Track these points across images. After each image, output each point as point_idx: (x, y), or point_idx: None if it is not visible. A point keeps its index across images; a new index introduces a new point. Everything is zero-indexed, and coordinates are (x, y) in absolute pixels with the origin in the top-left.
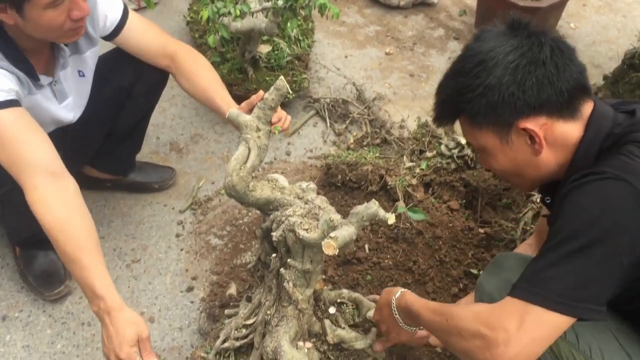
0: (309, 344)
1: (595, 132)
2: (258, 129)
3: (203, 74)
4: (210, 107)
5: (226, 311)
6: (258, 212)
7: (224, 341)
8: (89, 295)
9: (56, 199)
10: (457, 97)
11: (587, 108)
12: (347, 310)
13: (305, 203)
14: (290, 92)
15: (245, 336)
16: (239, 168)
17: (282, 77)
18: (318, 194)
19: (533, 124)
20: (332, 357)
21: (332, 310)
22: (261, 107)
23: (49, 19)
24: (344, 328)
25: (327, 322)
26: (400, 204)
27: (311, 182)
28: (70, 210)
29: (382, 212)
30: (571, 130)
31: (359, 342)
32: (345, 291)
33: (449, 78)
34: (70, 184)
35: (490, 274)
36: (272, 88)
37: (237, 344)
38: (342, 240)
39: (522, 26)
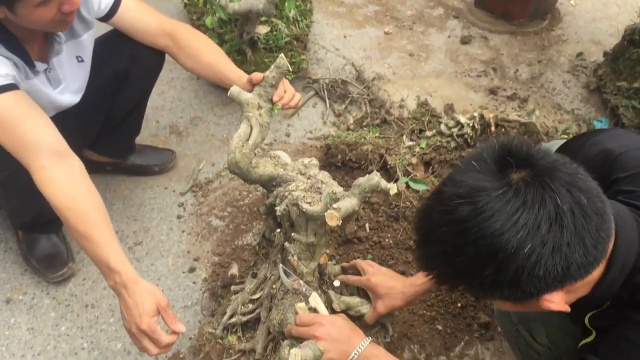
0: None
1: (620, 270)
2: (259, 107)
3: (206, 49)
4: (219, 82)
5: (232, 287)
6: (259, 193)
7: (231, 316)
8: (104, 270)
9: (64, 178)
10: (456, 278)
11: (611, 243)
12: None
13: (308, 178)
14: (290, 69)
15: (252, 311)
16: (242, 145)
17: (282, 55)
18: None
19: (553, 299)
20: None
21: (336, 283)
22: (262, 85)
23: (40, 15)
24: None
25: (331, 292)
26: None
27: (313, 158)
28: (79, 189)
29: (384, 183)
30: (593, 274)
31: (365, 306)
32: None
33: (439, 247)
34: (75, 162)
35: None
36: (272, 66)
37: (244, 318)
38: (345, 210)
39: (520, 167)
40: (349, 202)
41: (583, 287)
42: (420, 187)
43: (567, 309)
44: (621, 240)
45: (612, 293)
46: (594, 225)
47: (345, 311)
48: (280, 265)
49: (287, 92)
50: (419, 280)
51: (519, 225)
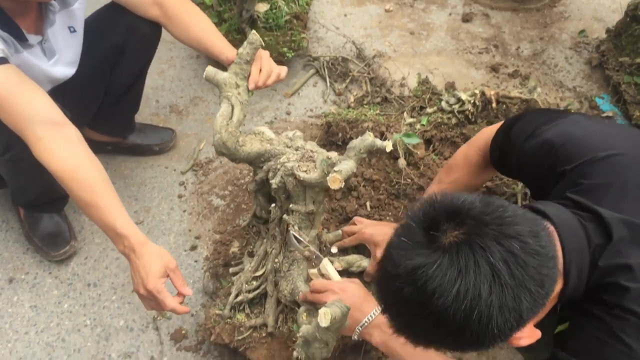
0: None
1: (577, 279)
2: (237, 85)
3: (196, 23)
4: (209, 56)
5: (231, 269)
6: None
7: (237, 295)
8: (112, 236)
9: (62, 147)
10: (423, 343)
11: (560, 263)
12: (349, 249)
13: (296, 150)
14: (263, 44)
15: (257, 287)
16: (226, 124)
17: (254, 31)
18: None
19: (522, 335)
20: None
21: (334, 249)
22: (237, 63)
23: None
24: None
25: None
26: (402, 162)
27: (297, 130)
28: (78, 157)
29: (378, 142)
30: (552, 294)
31: (364, 260)
32: (341, 231)
33: (398, 320)
34: (72, 130)
35: None
36: (245, 42)
37: (250, 295)
38: (346, 173)
39: (449, 228)
40: (347, 165)
41: (547, 307)
42: (414, 141)
43: (539, 335)
44: (569, 253)
45: (579, 297)
46: (533, 268)
47: (347, 269)
48: (292, 232)
49: (262, 70)
50: None
51: (461, 296)
